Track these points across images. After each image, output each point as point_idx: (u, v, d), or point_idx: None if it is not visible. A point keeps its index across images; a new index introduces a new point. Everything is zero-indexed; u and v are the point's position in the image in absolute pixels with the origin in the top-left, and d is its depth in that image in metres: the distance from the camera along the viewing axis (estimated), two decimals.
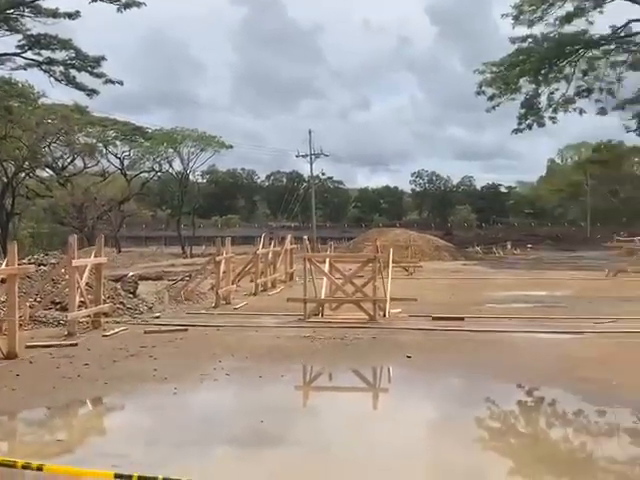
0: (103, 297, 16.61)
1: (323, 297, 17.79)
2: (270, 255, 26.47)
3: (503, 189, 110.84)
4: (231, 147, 70.10)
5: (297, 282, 26.03)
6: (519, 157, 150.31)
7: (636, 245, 35.21)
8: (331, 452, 7.57)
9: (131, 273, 22.48)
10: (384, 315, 17.12)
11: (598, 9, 44.67)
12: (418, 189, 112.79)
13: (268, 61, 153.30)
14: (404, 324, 16.26)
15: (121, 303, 18.20)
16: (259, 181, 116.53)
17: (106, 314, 16.57)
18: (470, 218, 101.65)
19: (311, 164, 75.80)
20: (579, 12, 44.47)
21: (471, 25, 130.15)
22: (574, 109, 48.85)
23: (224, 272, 21.19)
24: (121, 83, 50.80)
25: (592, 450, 7.83)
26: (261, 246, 25.46)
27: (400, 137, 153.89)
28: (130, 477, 3.66)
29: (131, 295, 19.35)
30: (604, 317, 16.68)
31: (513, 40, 47.04)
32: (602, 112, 48.58)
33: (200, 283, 22.55)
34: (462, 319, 16.66)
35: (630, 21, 44.81)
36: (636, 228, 57.84)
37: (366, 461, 7.22)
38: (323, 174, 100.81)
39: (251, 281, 24.66)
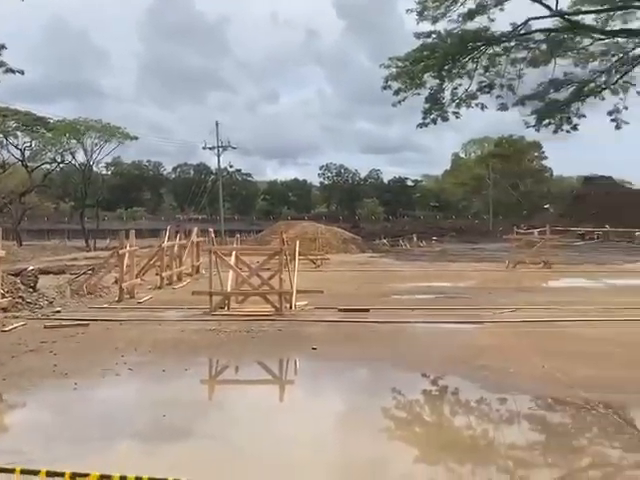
0: (1, 291, 16.13)
1: (229, 290, 17.69)
2: (176, 248, 26.18)
3: (409, 182, 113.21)
4: (136, 138, 69.17)
5: (203, 275, 25.80)
6: (425, 151, 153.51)
7: (535, 237, 36.37)
8: (236, 446, 7.52)
9: (31, 267, 21.74)
10: (290, 307, 17.13)
11: (499, 7, 45.73)
12: (326, 182, 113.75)
13: (175, 52, 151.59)
14: (310, 316, 16.31)
15: (20, 297, 17.60)
16: (165, 173, 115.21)
17: (4, 309, 16.07)
18: (377, 211, 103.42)
19: (218, 156, 75.69)
20: (481, 9, 45.44)
21: (377, 19, 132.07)
22: (476, 104, 49.88)
23: (128, 265, 20.76)
24: (22, 72, 49.57)
25: (493, 436, 8.02)
26: (166, 239, 25.15)
27: (309, 130, 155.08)
28: (13, 470, 3.54)
29: (31, 289, 18.75)
30: (503, 307, 17.18)
31: (418, 35, 47.64)
32: (503, 108, 49.78)
33: (103, 277, 22.07)
34: (367, 310, 16.83)
35: (529, 19, 46.05)
36: (535, 221, 59.92)
37: (271, 455, 7.18)
38: (231, 166, 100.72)
39: (156, 274, 24.31)
